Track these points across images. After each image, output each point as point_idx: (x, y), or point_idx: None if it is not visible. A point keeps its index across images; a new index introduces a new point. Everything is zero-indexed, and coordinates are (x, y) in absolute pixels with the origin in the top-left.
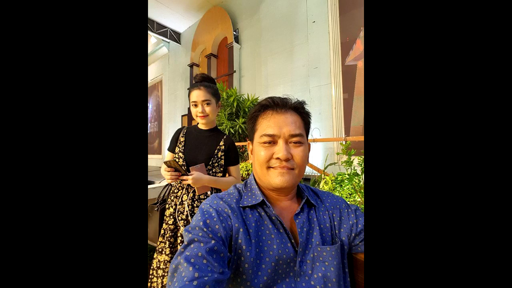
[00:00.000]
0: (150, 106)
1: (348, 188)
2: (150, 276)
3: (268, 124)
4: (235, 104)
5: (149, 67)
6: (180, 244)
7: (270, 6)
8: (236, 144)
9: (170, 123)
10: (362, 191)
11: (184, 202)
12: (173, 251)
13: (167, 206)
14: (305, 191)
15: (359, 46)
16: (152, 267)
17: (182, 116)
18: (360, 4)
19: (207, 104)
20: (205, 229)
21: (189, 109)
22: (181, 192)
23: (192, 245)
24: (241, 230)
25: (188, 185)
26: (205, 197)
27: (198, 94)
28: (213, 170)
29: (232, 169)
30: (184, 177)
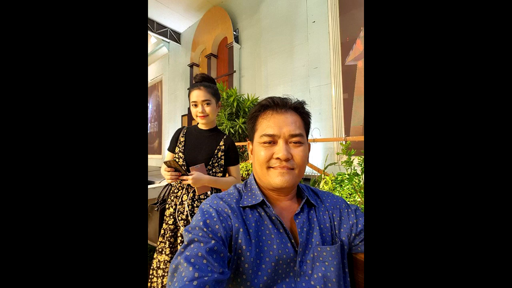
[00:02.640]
0: (150, 106)
1: (348, 188)
2: (150, 276)
3: (268, 124)
4: (235, 104)
5: (149, 67)
6: (180, 244)
7: (270, 6)
8: (236, 144)
9: (170, 123)
10: (362, 191)
11: (184, 202)
12: (173, 251)
13: (167, 206)
14: (305, 191)
15: (359, 46)
16: (152, 267)
17: (182, 116)
18: (360, 4)
19: (207, 104)
20: (205, 229)
21: (189, 109)
22: (181, 192)
23: (192, 245)
24: (241, 230)
25: (188, 185)
26: (205, 197)
27: (198, 94)
28: (213, 170)
29: (232, 169)
30: (184, 177)
